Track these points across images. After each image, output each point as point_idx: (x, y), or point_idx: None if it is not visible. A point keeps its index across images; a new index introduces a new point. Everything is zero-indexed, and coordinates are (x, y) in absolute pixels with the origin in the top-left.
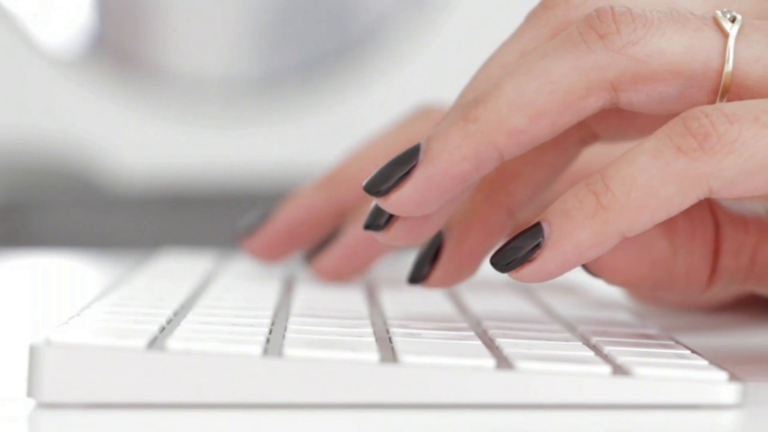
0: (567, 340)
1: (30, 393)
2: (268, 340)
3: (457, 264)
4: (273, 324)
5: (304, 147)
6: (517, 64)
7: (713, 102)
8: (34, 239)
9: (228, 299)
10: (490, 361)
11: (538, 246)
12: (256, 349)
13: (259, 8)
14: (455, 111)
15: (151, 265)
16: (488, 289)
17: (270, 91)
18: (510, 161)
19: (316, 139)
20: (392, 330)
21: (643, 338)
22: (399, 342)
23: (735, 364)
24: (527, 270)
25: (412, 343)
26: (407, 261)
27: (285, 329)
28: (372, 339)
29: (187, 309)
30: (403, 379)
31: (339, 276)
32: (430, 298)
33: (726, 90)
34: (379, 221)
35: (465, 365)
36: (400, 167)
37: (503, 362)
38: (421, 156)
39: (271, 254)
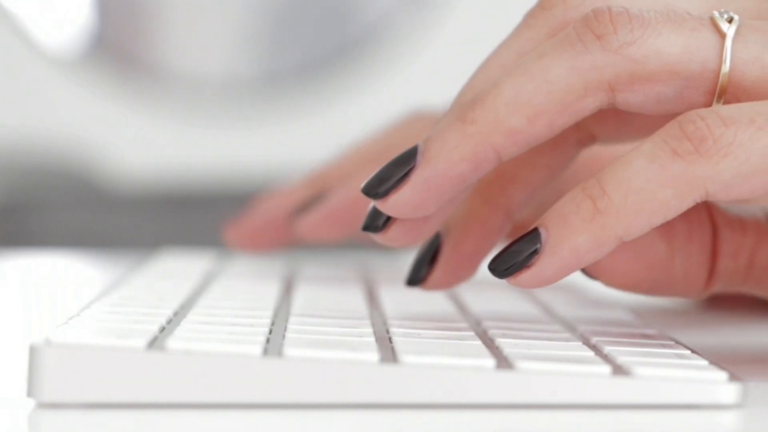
0: (567, 340)
1: (30, 393)
2: (268, 340)
3: (456, 265)
4: (273, 324)
5: (304, 147)
6: (515, 64)
7: (710, 102)
8: (34, 239)
9: (228, 299)
10: (490, 361)
11: (535, 251)
12: (256, 349)
13: (259, 8)
14: (453, 112)
15: (151, 265)
16: (488, 289)
17: (270, 91)
18: (508, 163)
19: (316, 139)
20: (392, 330)
21: (643, 338)
22: (399, 342)
23: (735, 364)
24: (525, 276)
25: (412, 343)
26: (407, 260)
27: (285, 329)
28: (372, 339)
29: (187, 309)
30: (403, 379)
31: (321, 236)
32: (430, 298)
33: (723, 91)
34: (377, 223)
35: (465, 365)
36: (398, 169)
37: (503, 362)
38: (419, 157)
39: (251, 244)
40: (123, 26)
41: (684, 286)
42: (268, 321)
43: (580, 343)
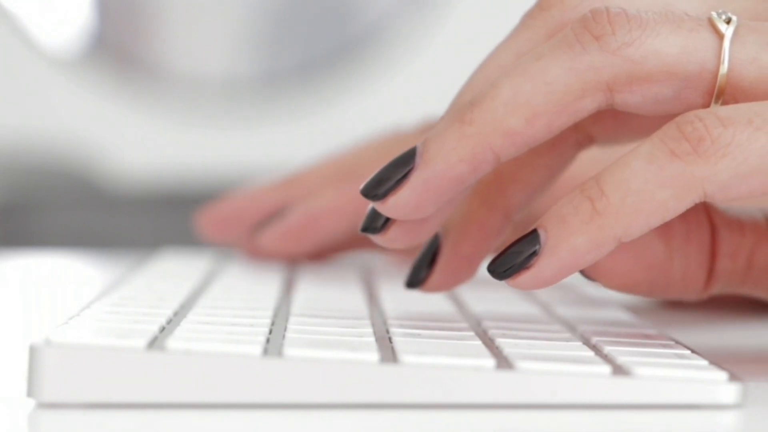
0: (567, 340)
1: (30, 393)
2: (268, 340)
3: (455, 267)
4: (273, 324)
5: (304, 147)
6: (513, 65)
7: (709, 103)
8: (34, 239)
9: (228, 299)
10: (490, 361)
11: (534, 253)
12: (256, 349)
13: (259, 8)
14: (451, 113)
15: (151, 265)
16: (488, 289)
17: (270, 91)
18: (506, 164)
19: (316, 139)
20: (392, 330)
21: (643, 338)
22: (399, 342)
23: (735, 364)
24: (524, 277)
25: (412, 343)
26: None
27: (285, 329)
28: (372, 339)
29: (187, 309)
30: (403, 379)
31: (279, 250)
32: (430, 298)
33: (721, 92)
34: (376, 224)
35: (465, 365)
36: (397, 170)
37: (503, 362)
38: (418, 159)
39: (217, 232)
40: (123, 26)
41: (683, 286)
42: (268, 321)
43: (580, 343)
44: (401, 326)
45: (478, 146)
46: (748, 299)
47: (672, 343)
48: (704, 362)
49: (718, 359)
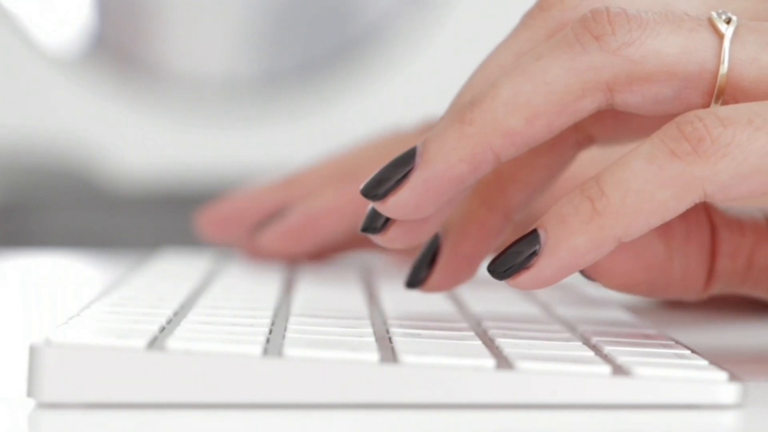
0: (567, 340)
1: (30, 393)
2: (268, 340)
3: (455, 267)
4: (273, 324)
5: (304, 147)
6: (513, 65)
7: (709, 103)
8: (34, 239)
9: (228, 299)
10: (490, 361)
11: (534, 253)
12: (256, 349)
13: (259, 8)
14: (451, 113)
15: (151, 265)
16: (488, 289)
17: (270, 91)
18: (506, 164)
19: (316, 139)
20: (392, 330)
21: (643, 338)
22: (399, 342)
23: (735, 364)
24: (524, 277)
25: (412, 343)
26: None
27: (285, 329)
28: (372, 339)
29: (187, 309)
30: (403, 379)
31: (279, 250)
32: (430, 298)
33: (721, 92)
34: (376, 224)
35: (465, 365)
36: (397, 170)
37: (503, 362)
38: (418, 159)
39: (217, 232)
40: (123, 26)
41: (683, 286)
42: (268, 321)
43: (580, 343)
44: (401, 326)
45: (478, 146)
46: (748, 299)
47: (672, 343)
48: (704, 362)
49: (718, 359)
